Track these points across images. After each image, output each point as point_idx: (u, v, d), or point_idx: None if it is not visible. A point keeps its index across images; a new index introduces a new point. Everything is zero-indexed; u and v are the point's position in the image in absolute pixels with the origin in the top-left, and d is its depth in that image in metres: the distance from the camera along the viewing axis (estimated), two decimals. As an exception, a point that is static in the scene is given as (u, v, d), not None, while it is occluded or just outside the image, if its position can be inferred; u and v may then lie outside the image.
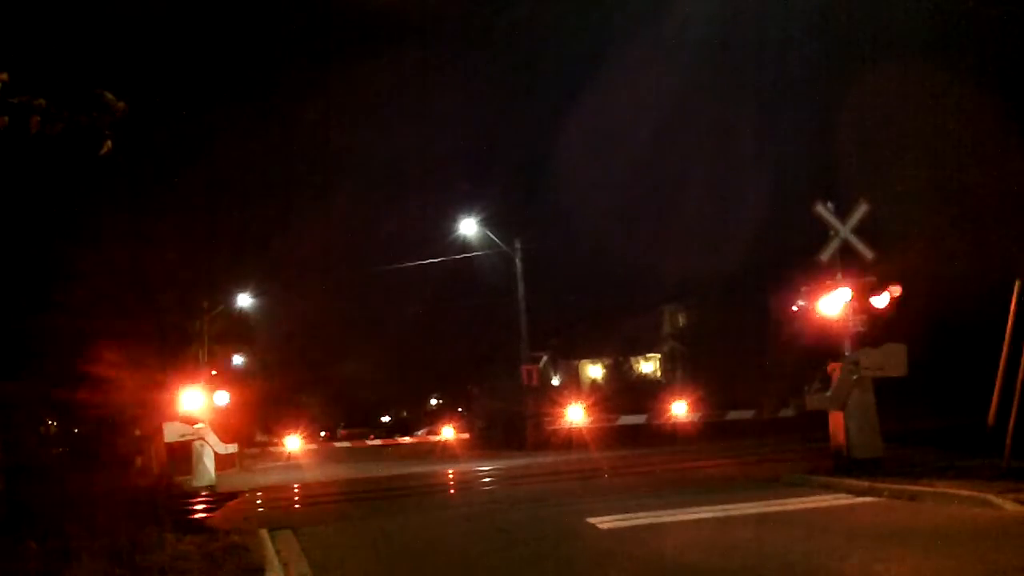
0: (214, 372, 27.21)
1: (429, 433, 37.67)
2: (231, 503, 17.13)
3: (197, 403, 21.48)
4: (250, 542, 9.78)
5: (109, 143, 4.63)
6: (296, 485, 20.75)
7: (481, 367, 43.78)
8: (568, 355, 51.84)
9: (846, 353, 13.59)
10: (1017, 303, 11.40)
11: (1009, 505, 9.29)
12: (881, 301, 13.52)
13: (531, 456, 26.59)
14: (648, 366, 49.86)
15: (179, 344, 24.38)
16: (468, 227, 32.04)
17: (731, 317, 37.64)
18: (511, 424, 31.89)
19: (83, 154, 4.72)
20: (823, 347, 14.31)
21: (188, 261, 22.68)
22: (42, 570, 7.29)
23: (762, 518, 10.00)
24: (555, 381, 48.56)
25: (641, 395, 34.41)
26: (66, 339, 14.95)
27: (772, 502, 11.10)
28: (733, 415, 25.00)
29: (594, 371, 51.18)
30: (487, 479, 19.02)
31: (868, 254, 13.80)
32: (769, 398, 24.70)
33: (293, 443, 34.98)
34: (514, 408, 31.52)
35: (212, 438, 20.93)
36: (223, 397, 22.14)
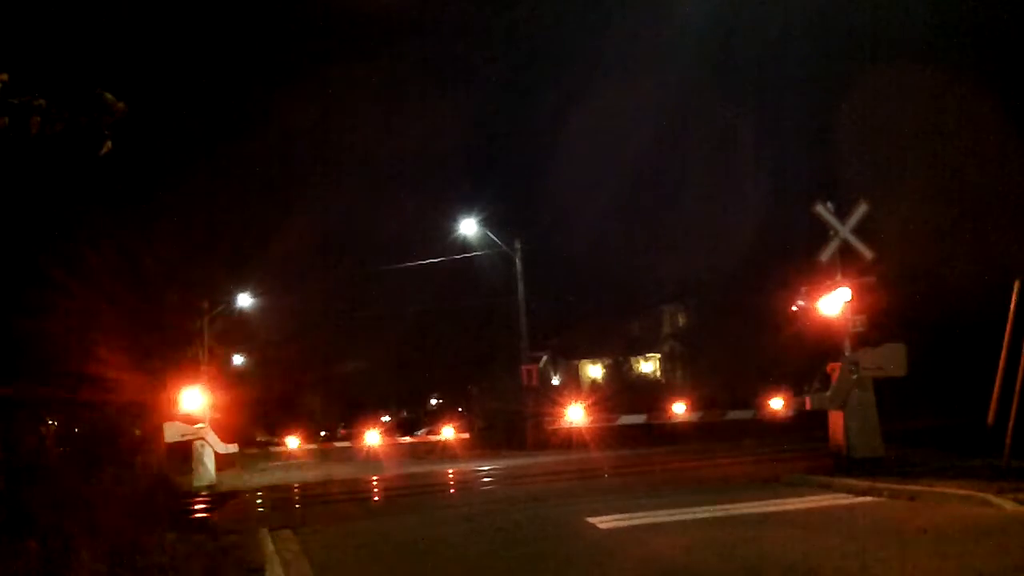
0: (214, 372, 27.14)
1: (429, 433, 37.63)
2: (231, 503, 17.13)
3: (197, 403, 21.45)
4: (250, 542, 9.79)
5: (109, 143, 4.62)
6: (296, 485, 20.73)
7: (481, 367, 43.76)
8: (568, 355, 51.85)
9: (846, 353, 13.59)
10: (1017, 303, 11.40)
11: (1009, 505, 9.29)
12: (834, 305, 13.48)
13: (531, 456, 26.57)
14: (648, 366, 49.88)
15: (179, 344, 24.33)
16: (468, 227, 32.04)
17: (731, 317, 37.63)
18: (511, 424, 31.86)
19: (83, 154, 4.72)
20: (823, 347, 14.32)
21: (188, 261, 22.66)
22: (42, 570, 7.28)
23: (762, 518, 10.00)
24: (555, 381, 48.57)
25: (641, 395, 34.40)
26: (66, 339, 14.93)
27: (772, 502, 11.10)
28: (733, 415, 24.90)
29: (594, 371, 51.19)
30: (487, 479, 19.02)
31: (868, 254, 13.81)
32: (769, 397, 24.65)
33: (293, 443, 34.95)
34: (514, 408, 31.49)
35: (212, 438, 20.94)
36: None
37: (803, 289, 13.88)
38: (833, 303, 13.60)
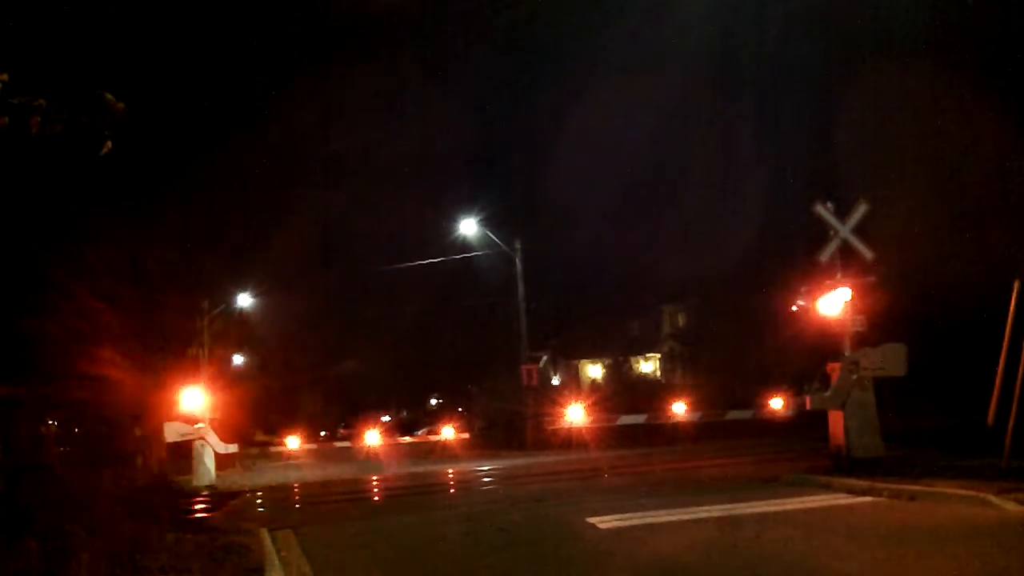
0: (214, 372, 27.14)
1: (429, 433, 37.64)
2: (231, 503, 17.13)
3: (197, 402, 21.41)
4: (250, 542, 9.78)
5: (109, 143, 4.63)
6: (296, 485, 20.74)
7: (481, 367, 43.77)
8: (568, 355, 51.87)
9: (846, 353, 13.59)
10: (1017, 303, 11.40)
11: (1009, 505, 9.28)
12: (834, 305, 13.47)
13: (531, 456, 26.58)
14: (648, 366, 49.89)
15: (179, 344, 24.35)
16: (468, 227, 32.08)
17: (731, 317, 37.65)
18: (511, 424, 31.87)
19: (83, 154, 4.72)
20: (823, 347, 14.32)
21: (188, 261, 22.69)
22: (42, 570, 7.28)
23: (762, 518, 10.00)
24: (555, 381, 48.57)
25: (641, 395, 34.39)
26: (66, 339, 14.94)
27: (772, 502, 11.09)
28: (733, 415, 24.96)
29: (594, 371, 51.21)
30: (487, 479, 19.02)
31: (868, 254, 13.81)
32: (769, 398, 24.67)
33: (293, 443, 34.99)
34: (514, 408, 31.50)
35: (212, 438, 20.94)
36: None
37: (803, 289, 13.89)
38: (833, 303, 13.61)
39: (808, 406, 13.91)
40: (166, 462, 22.98)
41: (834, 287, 13.65)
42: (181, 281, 22.55)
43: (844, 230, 13.79)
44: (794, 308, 14.19)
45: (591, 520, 10.36)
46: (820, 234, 14.06)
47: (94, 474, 14.13)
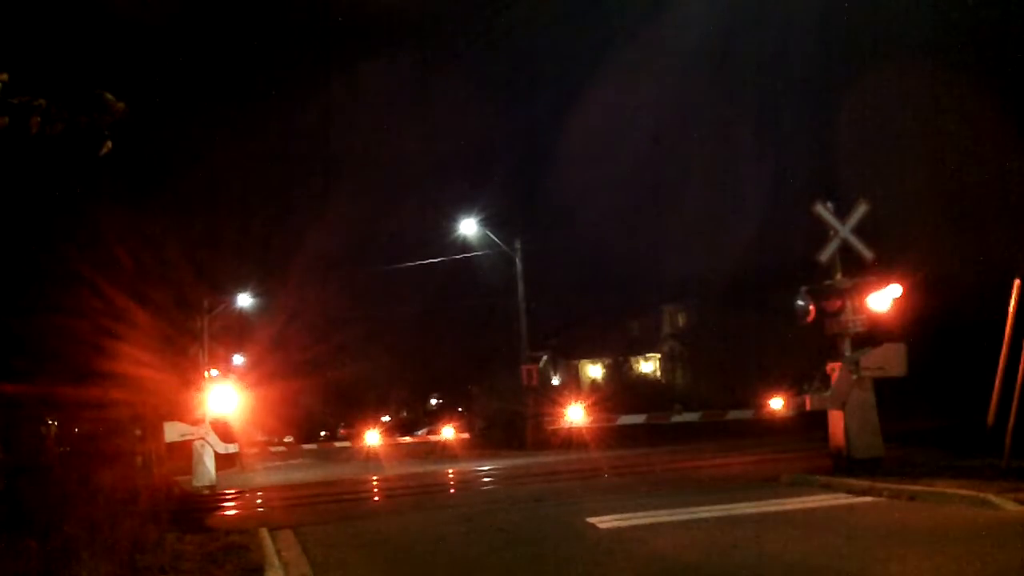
0: (215, 372, 27.13)
1: (429, 433, 37.64)
2: (231, 503, 17.14)
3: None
4: (250, 542, 9.78)
5: (109, 143, 4.63)
6: (296, 485, 20.75)
7: (481, 367, 43.80)
8: (568, 355, 51.87)
9: (846, 353, 13.58)
10: (1017, 303, 11.39)
11: (1009, 505, 9.28)
12: (882, 302, 13.52)
13: (531, 456, 26.59)
14: (648, 366, 49.90)
15: (180, 343, 24.35)
16: (468, 227, 32.08)
17: (731, 317, 37.69)
18: (511, 424, 31.89)
19: (83, 154, 4.72)
20: (823, 347, 14.32)
21: (188, 260, 22.67)
22: (42, 570, 7.28)
23: (762, 518, 10.00)
24: (555, 381, 48.59)
25: (641, 395, 34.42)
26: (66, 339, 14.94)
27: (772, 502, 11.10)
28: (733, 415, 24.95)
29: (594, 371, 51.23)
30: (487, 479, 19.02)
31: (868, 254, 13.80)
32: (769, 398, 24.65)
33: (294, 443, 34.99)
34: (514, 408, 31.52)
35: (212, 438, 20.90)
36: (231, 400, 21.67)
37: (803, 289, 13.86)
38: (833, 303, 13.60)
39: (808, 406, 13.88)
40: (166, 462, 22.97)
41: (833, 287, 13.65)
42: (181, 280, 22.55)
43: (844, 230, 13.77)
44: (794, 308, 14.15)
45: (591, 520, 10.36)
46: (820, 234, 14.05)
47: (94, 474, 14.10)
